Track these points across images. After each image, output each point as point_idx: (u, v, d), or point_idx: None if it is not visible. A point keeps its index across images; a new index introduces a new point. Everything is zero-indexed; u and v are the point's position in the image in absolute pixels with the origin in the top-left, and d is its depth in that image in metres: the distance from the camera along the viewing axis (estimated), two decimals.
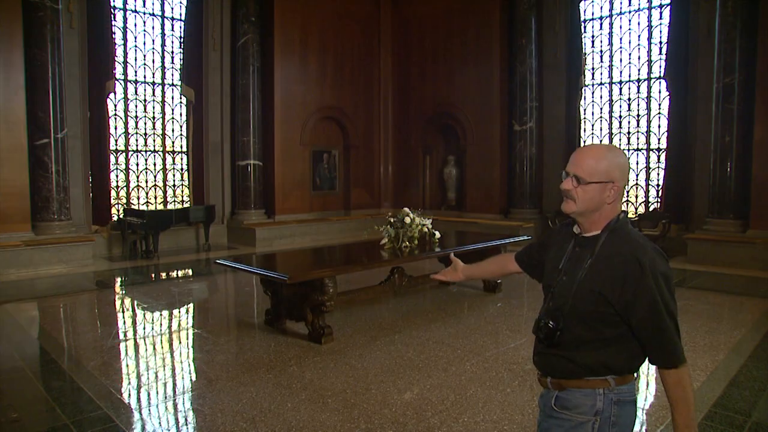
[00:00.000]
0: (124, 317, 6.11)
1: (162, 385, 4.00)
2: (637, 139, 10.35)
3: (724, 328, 5.19)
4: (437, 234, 6.16)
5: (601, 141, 10.80)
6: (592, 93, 10.89)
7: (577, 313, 1.57)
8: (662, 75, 9.80)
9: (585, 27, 10.85)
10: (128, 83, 10.27)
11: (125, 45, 10.15)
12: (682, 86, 9.43)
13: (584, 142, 10.96)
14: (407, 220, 5.79)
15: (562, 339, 1.58)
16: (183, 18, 10.79)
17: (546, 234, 1.94)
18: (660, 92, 10.01)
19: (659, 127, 10.07)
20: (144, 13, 10.42)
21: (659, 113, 10.05)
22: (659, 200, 9.94)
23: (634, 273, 1.49)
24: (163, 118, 10.82)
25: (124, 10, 10.11)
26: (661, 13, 9.92)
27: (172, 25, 10.84)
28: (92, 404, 3.51)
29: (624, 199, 10.47)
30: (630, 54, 10.39)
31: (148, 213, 9.46)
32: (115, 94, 9.99)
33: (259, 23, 11.03)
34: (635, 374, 1.62)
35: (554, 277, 1.67)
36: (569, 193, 1.60)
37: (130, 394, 3.79)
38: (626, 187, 1.62)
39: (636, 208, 10.42)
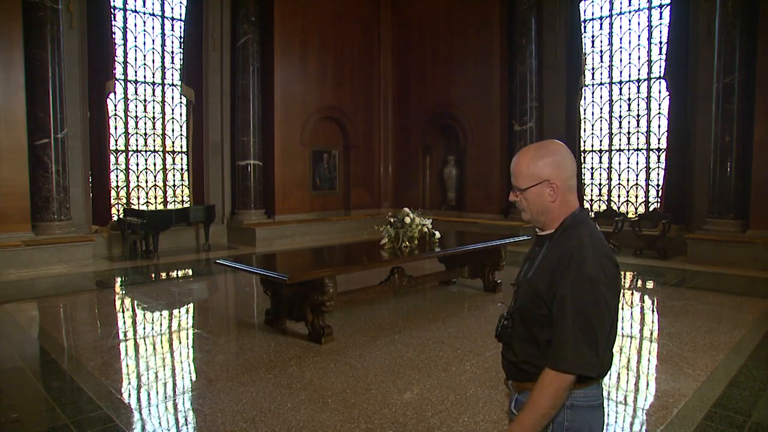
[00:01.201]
0: (124, 317, 6.11)
1: (162, 385, 3.99)
2: (637, 139, 10.34)
3: (724, 328, 5.19)
4: (437, 234, 6.16)
5: (601, 141, 10.81)
6: (592, 93, 10.89)
7: (519, 311, 1.58)
8: (662, 75, 9.80)
9: (585, 27, 10.85)
10: (128, 83, 10.27)
11: (125, 45, 10.15)
12: (682, 86, 9.43)
13: (584, 142, 10.97)
14: (407, 220, 5.79)
15: (511, 338, 1.59)
16: (183, 18, 10.79)
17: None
18: (660, 92, 10.01)
19: (659, 127, 10.07)
20: (144, 13, 10.42)
21: (659, 113, 10.05)
22: (659, 200, 9.94)
23: (560, 270, 1.45)
24: (163, 118, 10.82)
25: (124, 10, 10.11)
26: (661, 13, 9.92)
27: (172, 25, 10.84)
28: (92, 404, 3.51)
29: (625, 199, 10.56)
30: (630, 54, 10.40)
31: (148, 213, 9.45)
32: (115, 94, 9.99)
33: (259, 23, 11.03)
34: (598, 381, 1.54)
35: (518, 276, 1.69)
36: (518, 204, 1.62)
37: (130, 394, 3.79)
38: (569, 179, 1.55)
39: (636, 208, 10.42)
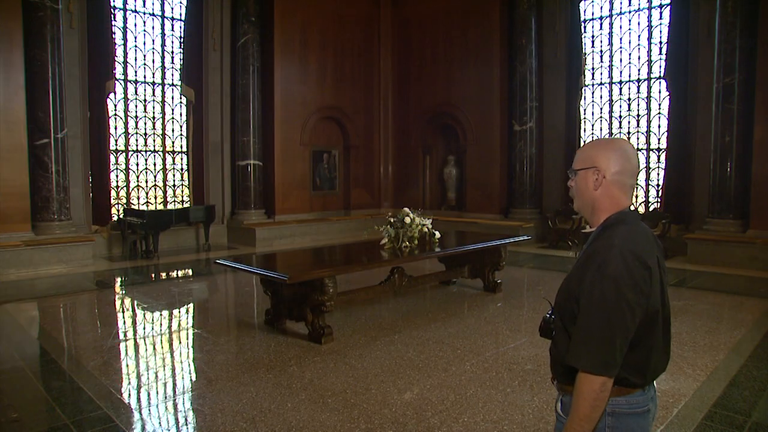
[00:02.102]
0: (124, 317, 6.11)
1: (162, 385, 3.99)
2: (637, 139, 10.35)
3: (724, 328, 5.19)
4: (437, 234, 6.16)
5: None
6: (592, 93, 10.89)
7: (558, 307, 1.57)
8: (662, 75, 9.80)
9: (585, 27, 10.85)
10: (128, 83, 10.27)
11: (125, 45, 10.15)
12: (682, 86, 9.43)
13: (584, 142, 10.96)
14: (407, 220, 5.79)
15: (554, 334, 1.57)
16: (183, 18, 10.79)
17: None
18: (660, 92, 10.02)
19: (659, 127, 10.07)
20: (144, 13, 10.42)
21: (659, 113, 10.05)
22: (659, 200, 9.95)
23: (588, 266, 1.45)
24: (163, 118, 10.82)
25: (124, 10, 10.11)
26: (661, 13, 9.92)
27: (172, 25, 10.84)
28: (92, 404, 3.51)
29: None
30: (630, 54, 10.40)
31: (148, 213, 9.45)
32: (115, 94, 9.99)
33: (259, 23, 11.03)
34: (642, 388, 1.51)
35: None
36: (571, 191, 1.61)
37: (130, 394, 3.79)
38: (620, 174, 1.52)
39: (636, 208, 10.42)
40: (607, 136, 10.69)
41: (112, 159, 10.05)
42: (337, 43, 12.39)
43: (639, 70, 10.28)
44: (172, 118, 10.98)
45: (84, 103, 9.44)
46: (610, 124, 10.66)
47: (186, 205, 11.12)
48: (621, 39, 10.50)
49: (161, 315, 6.04)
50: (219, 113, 11.28)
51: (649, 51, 10.10)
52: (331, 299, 4.69)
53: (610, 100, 10.64)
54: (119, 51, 10.04)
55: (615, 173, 1.52)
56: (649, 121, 10.19)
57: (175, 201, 11.13)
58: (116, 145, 10.18)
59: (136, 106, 10.44)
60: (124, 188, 10.37)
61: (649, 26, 10.09)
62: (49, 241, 8.16)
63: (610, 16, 10.59)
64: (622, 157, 1.53)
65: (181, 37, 10.86)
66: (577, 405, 1.43)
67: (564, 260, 9.08)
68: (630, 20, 10.38)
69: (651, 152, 10.19)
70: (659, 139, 10.06)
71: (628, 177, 1.54)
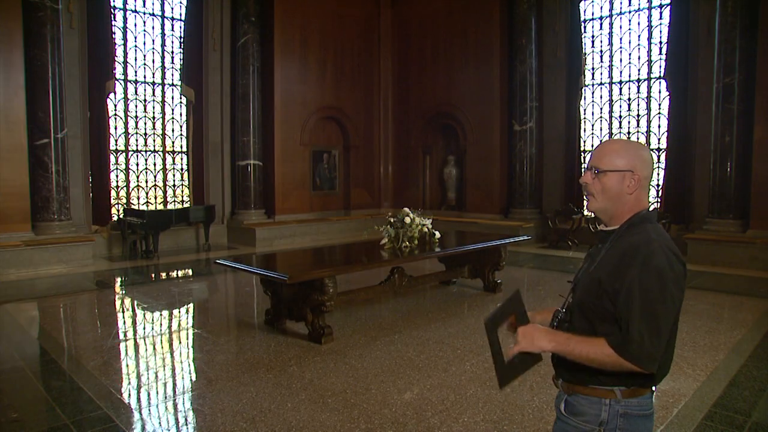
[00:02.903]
0: (124, 317, 6.11)
1: (162, 385, 3.99)
2: (637, 139, 10.35)
3: (724, 328, 5.19)
4: (437, 234, 6.16)
5: (601, 141, 10.81)
6: (592, 93, 10.89)
7: (579, 305, 1.55)
8: (662, 75, 9.80)
9: (585, 27, 10.85)
10: (128, 83, 10.27)
11: (125, 45, 10.15)
12: (682, 86, 9.43)
13: (584, 142, 10.97)
14: (407, 220, 5.79)
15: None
16: (183, 18, 10.79)
17: None
18: (660, 92, 10.01)
19: (659, 127, 10.07)
20: (144, 13, 10.42)
21: (659, 113, 10.05)
22: (659, 200, 9.94)
23: (628, 261, 1.44)
24: (163, 118, 10.82)
25: (124, 10, 10.11)
26: (661, 13, 9.92)
27: (172, 25, 10.84)
28: (92, 404, 3.51)
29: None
30: (630, 54, 10.40)
31: (148, 213, 9.45)
32: (115, 94, 9.99)
33: (259, 23, 11.03)
34: (652, 388, 1.55)
35: (577, 274, 1.67)
36: (588, 188, 1.59)
37: (130, 394, 3.79)
38: (647, 178, 1.58)
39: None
40: (608, 136, 10.69)
41: (112, 159, 10.05)
42: (337, 43, 12.39)
43: (639, 70, 10.28)
44: (172, 118, 10.98)
45: (84, 103, 9.44)
46: (610, 124, 10.66)
47: (186, 205, 11.12)
48: (621, 39, 10.50)
49: (161, 315, 6.04)
50: (219, 113, 11.28)
51: (649, 51, 10.10)
52: (331, 299, 4.69)
53: (610, 100, 10.64)
54: (119, 51, 10.04)
55: (645, 177, 1.57)
56: (649, 121, 10.19)
57: (175, 201, 11.13)
58: (116, 145, 10.18)
59: (136, 106, 10.44)
60: (124, 188, 10.37)
61: (649, 26, 10.09)
62: (49, 241, 8.16)
63: (610, 16, 10.59)
64: (651, 162, 1.60)
65: (181, 37, 10.86)
66: (582, 347, 1.45)
67: (564, 260, 9.08)
68: (630, 20, 10.38)
69: (651, 152, 10.18)
70: (659, 139, 10.06)
71: (650, 179, 1.62)
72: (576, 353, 1.46)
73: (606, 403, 1.52)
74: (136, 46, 10.34)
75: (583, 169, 10.79)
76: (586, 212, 10.74)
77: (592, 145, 10.90)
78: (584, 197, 1.58)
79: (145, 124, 10.60)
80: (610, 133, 10.65)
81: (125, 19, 10.14)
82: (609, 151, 1.57)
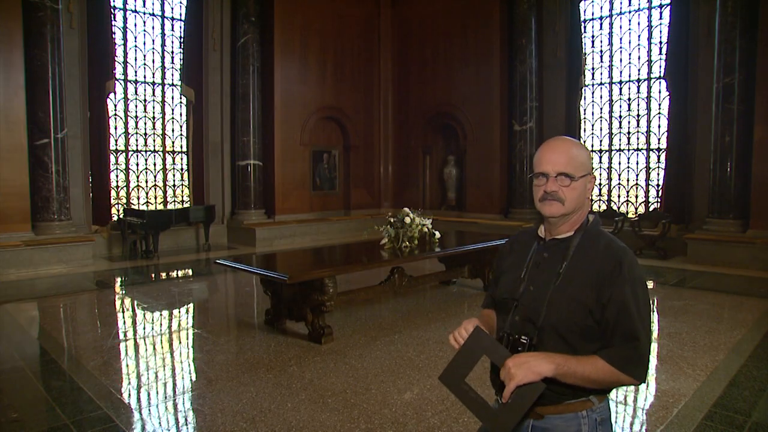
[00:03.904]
0: (124, 317, 6.11)
1: (162, 385, 3.99)
2: (637, 139, 10.34)
3: (724, 328, 5.19)
4: (437, 234, 6.16)
5: (601, 141, 10.81)
6: (592, 93, 10.89)
7: (552, 325, 1.43)
8: (662, 75, 9.80)
9: (585, 27, 10.85)
10: (128, 83, 10.27)
11: (125, 45, 10.15)
12: (682, 86, 9.43)
13: (584, 142, 10.96)
14: (407, 220, 5.79)
15: None
16: (183, 18, 10.79)
17: (498, 258, 1.74)
18: (660, 92, 10.01)
19: (659, 127, 10.07)
20: (144, 13, 10.42)
21: (659, 113, 10.04)
22: (659, 200, 9.94)
23: (611, 278, 1.39)
24: (163, 118, 10.82)
25: (124, 10, 10.11)
26: (661, 13, 9.92)
27: (172, 25, 10.84)
28: (92, 404, 3.51)
29: (625, 199, 10.56)
30: (630, 54, 10.39)
31: (148, 213, 9.45)
32: (115, 94, 9.99)
33: (259, 23, 11.03)
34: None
35: (515, 287, 1.52)
36: (557, 195, 1.46)
37: (130, 394, 3.79)
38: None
39: (636, 208, 10.42)
40: (607, 137, 10.69)
41: (112, 159, 10.04)
42: (337, 43, 12.39)
43: (639, 70, 10.28)
44: (172, 118, 10.98)
45: (84, 103, 9.44)
46: (610, 124, 10.66)
47: (186, 205, 11.11)
48: (621, 39, 10.49)
49: (161, 315, 6.04)
50: (219, 113, 11.28)
51: (649, 51, 10.10)
52: (331, 299, 4.69)
53: (610, 100, 10.64)
54: (119, 51, 10.04)
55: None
56: (649, 121, 10.18)
57: (175, 201, 11.13)
58: (116, 145, 10.17)
59: (136, 106, 10.44)
60: (124, 188, 10.37)
61: (649, 26, 10.09)
62: (49, 241, 8.16)
63: (610, 16, 10.59)
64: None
65: (181, 37, 10.86)
66: (592, 369, 1.36)
67: None
68: (630, 20, 10.37)
69: (651, 152, 10.19)
70: (659, 139, 10.05)
71: None
72: (579, 374, 1.36)
73: (583, 416, 1.44)
74: (136, 46, 10.34)
75: None
76: None
77: (592, 145, 10.91)
78: (535, 201, 1.52)
79: (145, 124, 10.60)
80: (610, 133, 10.65)
81: (125, 19, 10.14)
82: (571, 155, 1.47)
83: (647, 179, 10.25)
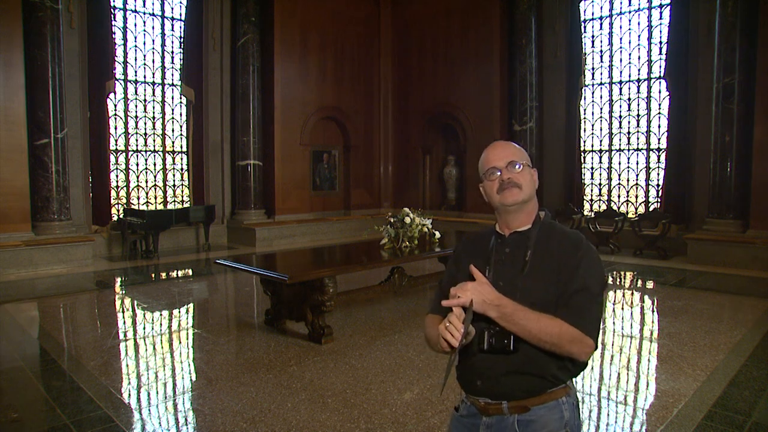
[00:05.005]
0: (124, 317, 6.11)
1: (162, 385, 3.99)
2: (637, 139, 10.34)
3: (724, 328, 5.19)
4: (437, 234, 6.16)
5: (601, 141, 10.82)
6: (592, 93, 10.88)
7: (530, 307, 1.46)
8: (662, 75, 9.80)
9: (585, 27, 10.85)
10: (128, 83, 10.27)
11: (125, 45, 10.15)
12: (682, 86, 9.43)
13: (584, 142, 10.96)
14: (407, 220, 5.79)
15: (520, 346, 1.42)
16: (183, 18, 10.79)
17: (452, 260, 1.73)
18: (660, 92, 10.01)
19: (659, 127, 10.06)
20: (144, 13, 10.42)
21: (659, 113, 10.04)
22: (659, 200, 9.94)
23: (574, 263, 1.47)
24: (163, 118, 10.82)
25: (124, 10, 10.11)
26: (661, 13, 9.92)
27: (172, 25, 10.84)
28: (92, 404, 3.51)
29: (625, 199, 10.56)
30: (630, 54, 10.39)
31: (148, 213, 9.45)
32: (115, 94, 9.99)
33: (259, 23, 11.03)
34: None
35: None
36: (513, 180, 1.56)
37: (130, 394, 3.79)
38: None
39: (636, 208, 10.42)
40: (607, 137, 10.70)
41: (112, 159, 10.04)
42: (337, 43, 12.39)
43: (639, 70, 10.27)
44: (172, 118, 10.98)
45: (84, 103, 9.44)
46: (610, 124, 10.66)
47: (186, 205, 11.11)
48: (621, 39, 10.49)
49: (161, 315, 6.04)
50: (219, 113, 11.28)
51: (649, 51, 10.10)
52: (331, 299, 4.69)
53: (610, 100, 10.63)
54: (119, 51, 10.04)
55: None
56: (649, 121, 10.18)
57: (175, 201, 11.13)
58: (116, 145, 10.17)
59: (136, 106, 10.44)
60: (124, 188, 10.37)
61: (649, 26, 10.09)
62: (49, 241, 8.16)
63: (610, 16, 10.59)
64: None
65: (181, 37, 10.86)
66: (545, 323, 1.39)
67: None
68: (630, 20, 10.37)
69: (651, 152, 10.19)
70: (659, 139, 10.05)
71: None
72: (520, 320, 1.38)
73: (563, 402, 1.50)
74: (136, 46, 10.34)
75: (582, 169, 10.86)
76: (586, 212, 10.75)
77: (592, 145, 10.91)
78: (493, 197, 1.58)
79: (145, 124, 10.60)
80: (610, 133, 10.65)
81: (125, 19, 10.14)
82: (514, 149, 1.61)
83: (647, 179, 10.25)
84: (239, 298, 7.00)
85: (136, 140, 10.50)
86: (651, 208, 10.02)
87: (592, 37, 10.85)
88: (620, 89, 10.51)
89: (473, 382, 1.51)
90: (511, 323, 1.40)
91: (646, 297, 6.98)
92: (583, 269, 1.47)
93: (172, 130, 11.00)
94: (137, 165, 10.54)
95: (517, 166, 1.57)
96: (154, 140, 10.74)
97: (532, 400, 1.47)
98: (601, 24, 10.73)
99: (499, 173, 1.58)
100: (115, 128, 10.14)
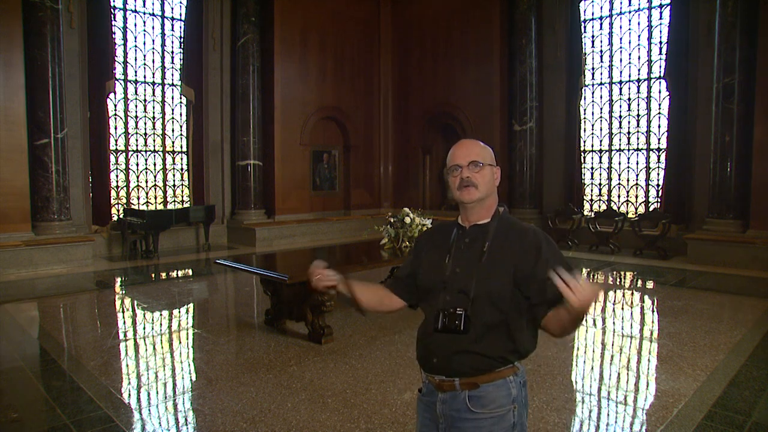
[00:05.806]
0: (124, 317, 6.11)
1: (162, 385, 3.99)
2: (637, 139, 10.34)
3: (724, 328, 5.19)
4: None
5: (601, 141, 10.82)
6: (592, 93, 10.89)
7: (485, 294, 1.57)
8: (662, 75, 9.80)
9: (585, 27, 10.85)
10: (128, 83, 10.27)
11: (125, 45, 10.15)
12: (682, 86, 9.43)
13: (584, 142, 10.96)
14: (407, 220, 5.79)
15: (471, 327, 1.55)
16: (183, 18, 10.79)
17: (413, 250, 1.88)
18: (660, 92, 10.01)
19: (659, 127, 10.07)
20: (144, 13, 10.42)
21: (659, 113, 10.04)
22: (659, 200, 9.94)
23: (533, 245, 1.57)
24: (163, 118, 10.82)
25: (124, 10, 10.11)
26: (661, 12, 9.92)
27: (172, 25, 10.84)
28: (92, 404, 3.51)
29: (625, 199, 10.56)
30: (630, 54, 10.39)
31: (148, 213, 9.45)
32: (115, 94, 9.99)
33: (259, 23, 11.03)
34: None
35: (440, 273, 1.66)
36: (470, 180, 1.64)
37: (130, 394, 3.79)
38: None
39: (636, 208, 10.42)
40: (607, 137, 10.70)
41: (112, 159, 10.05)
42: (337, 43, 12.39)
43: (639, 70, 10.28)
44: (172, 118, 10.98)
45: (84, 103, 9.44)
46: (610, 124, 10.66)
47: (186, 205, 11.11)
48: (621, 39, 10.49)
49: (161, 315, 6.04)
50: (219, 113, 11.28)
51: (649, 51, 10.10)
52: (331, 299, 4.69)
53: (610, 100, 10.64)
54: (119, 51, 10.04)
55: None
56: (649, 121, 10.18)
57: (175, 201, 11.13)
58: (116, 145, 10.18)
59: (136, 106, 10.44)
60: (124, 188, 10.37)
61: (649, 26, 10.09)
62: (49, 241, 8.16)
63: (610, 16, 10.59)
64: None
65: (181, 37, 10.86)
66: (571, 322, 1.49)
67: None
68: (630, 20, 10.37)
69: (651, 152, 10.19)
70: (659, 139, 10.05)
71: None
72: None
73: (511, 380, 1.60)
74: (136, 46, 10.34)
75: (582, 169, 10.86)
76: (586, 212, 10.75)
77: (592, 145, 10.91)
78: (454, 192, 1.68)
79: (145, 124, 10.60)
80: (610, 133, 10.65)
81: (125, 19, 10.14)
82: (478, 149, 1.68)
83: (647, 179, 10.25)
84: (239, 298, 7.00)
85: (136, 140, 10.50)
86: (651, 208, 10.02)
87: (592, 37, 10.85)
88: (620, 89, 10.51)
89: (430, 360, 1.69)
90: (581, 319, 1.48)
91: (646, 297, 6.98)
92: (547, 260, 1.54)
93: (172, 130, 11.00)
94: (137, 165, 10.54)
95: (478, 166, 1.65)
96: (154, 140, 10.74)
97: (481, 377, 1.59)
98: (601, 24, 10.74)
99: (460, 170, 1.66)
100: (115, 128, 10.15)
